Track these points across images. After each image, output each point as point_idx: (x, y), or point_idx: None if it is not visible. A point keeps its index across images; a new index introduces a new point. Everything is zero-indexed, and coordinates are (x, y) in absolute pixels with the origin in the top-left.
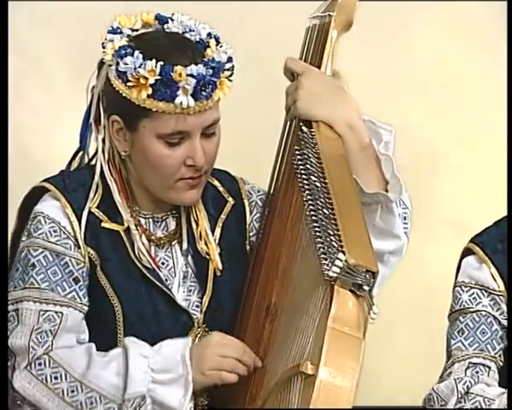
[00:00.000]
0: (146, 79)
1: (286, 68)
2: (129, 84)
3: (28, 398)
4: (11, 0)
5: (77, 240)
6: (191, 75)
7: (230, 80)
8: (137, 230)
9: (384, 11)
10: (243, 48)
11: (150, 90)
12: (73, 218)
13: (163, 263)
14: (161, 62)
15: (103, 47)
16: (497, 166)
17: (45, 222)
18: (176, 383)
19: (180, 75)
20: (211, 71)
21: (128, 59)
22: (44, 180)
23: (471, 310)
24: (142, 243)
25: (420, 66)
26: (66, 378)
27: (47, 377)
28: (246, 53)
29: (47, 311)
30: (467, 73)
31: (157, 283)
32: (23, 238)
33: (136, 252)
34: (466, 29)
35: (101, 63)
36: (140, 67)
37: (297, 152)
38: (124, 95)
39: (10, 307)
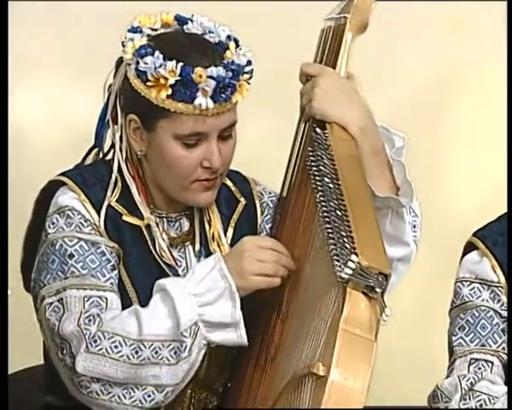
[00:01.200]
0: (166, 79)
1: (301, 73)
2: (148, 83)
3: (96, 376)
4: (11, 0)
5: (101, 234)
6: (211, 77)
7: (249, 83)
8: (158, 227)
9: (385, 12)
10: (256, 49)
11: (170, 91)
12: (94, 213)
13: (176, 264)
14: (181, 63)
15: (123, 45)
16: (498, 165)
17: (73, 215)
18: (222, 298)
19: (200, 77)
20: (230, 73)
21: (148, 59)
22: (62, 174)
23: (471, 305)
24: (163, 240)
25: (420, 66)
26: (125, 343)
27: (107, 350)
28: (259, 55)
29: (91, 296)
30: (467, 73)
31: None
32: (50, 231)
33: (158, 249)
34: (466, 29)
35: (119, 61)
36: (160, 67)
37: (310, 153)
38: (142, 94)
39: (53, 299)
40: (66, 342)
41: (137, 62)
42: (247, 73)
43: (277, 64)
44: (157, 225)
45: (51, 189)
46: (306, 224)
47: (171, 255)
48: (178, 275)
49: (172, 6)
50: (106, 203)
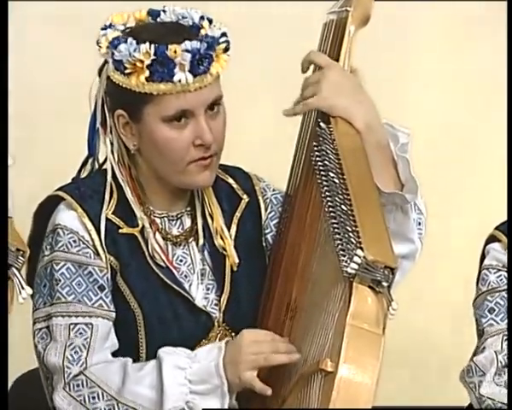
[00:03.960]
0: (142, 62)
1: (307, 59)
2: (126, 71)
3: None
4: (11, 0)
5: (96, 249)
6: (186, 51)
7: (227, 55)
8: (151, 228)
9: (384, 11)
10: (261, 48)
11: (147, 73)
12: (90, 226)
13: (181, 260)
14: (155, 44)
15: (98, 44)
16: (498, 165)
17: (64, 234)
18: (212, 393)
19: (175, 52)
20: (205, 44)
21: (122, 46)
22: (59, 189)
23: (499, 289)
24: (156, 241)
25: (420, 66)
26: (103, 397)
27: (85, 398)
28: (264, 53)
29: (77, 324)
30: (466, 74)
31: (171, 284)
32: (46, 252)
33: (150, 250)
34: (466, 29)
35: (101, 69)
36: (134, 51)
37: (315, 148)
38: (124, 86)
39: (42, 324)
40: (50, 373)
41: (113, 54)
42: (222, 43)
43: (279, 61)
44: (151, 225)
45: (49, 204)
46: (313, 219)
47: (165, 255)
48: (174, 278)
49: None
50: (103, 216)
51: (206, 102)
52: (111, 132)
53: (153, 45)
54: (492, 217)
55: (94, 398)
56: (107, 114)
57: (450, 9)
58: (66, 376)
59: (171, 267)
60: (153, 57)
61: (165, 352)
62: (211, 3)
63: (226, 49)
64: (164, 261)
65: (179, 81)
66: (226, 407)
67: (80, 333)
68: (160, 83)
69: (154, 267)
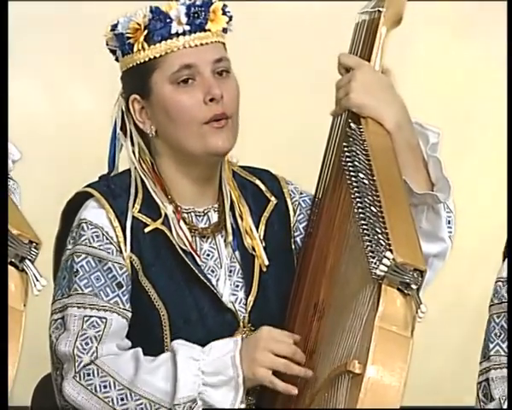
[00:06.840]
0: (139, 25)
1: (340, 63)
2: (128, 42)
3: (78, 407)
4: (11, 0)
5: (119, 245)
6: (181, 4)
7: (228, 18)
8: (175, 215)
9: None
10: (288, 47)
11: (146, 32)
12: (117, 223)
13: (208, 255)
14: (151, 6)
15: (106, 42)
16: (498, 165)
17: (88, 228)
18: (226, 385)
19: (170, 7)
20: (201, 1)
21: (121, 20)
22: (88, 185)
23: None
24: (180, 228)
25: (420, 66)
26: (115, 387)
27: (96, 387)
28: (291, 51)
29: (91, 316)
30: (466, 73)
31: (198, 274)
32: (69, 246)
33: (175, 236)
34: (466, 28)
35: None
36: (132, 18)
37: (345, 149)
38: (130, 66)
39: (58, 315)
40: (60, 363)
41: (114, 34)
42: (218, 1)
43: (307, 61)
44: (174, 213)
45: (77, 201)
46: (342, 220)
47: (188, 242)
48: (197, 264)
49: None
50: (130, 215)
51: (209, 60)
52: (130, 133)
53: (149, 7)
54: None
55: (105, 387)
56: (125, 117)
57: (450, 8)
58: (76, 365)
59: (196, 258)
60: (149, 16)
61: (180, 343)
62: (235, 3)
63: (225, 13)
64: (187, 247)
65: (177, 35)
66: (240, 399)
67: (93, 326)
68: (160, 43)
69: (182, 255)
